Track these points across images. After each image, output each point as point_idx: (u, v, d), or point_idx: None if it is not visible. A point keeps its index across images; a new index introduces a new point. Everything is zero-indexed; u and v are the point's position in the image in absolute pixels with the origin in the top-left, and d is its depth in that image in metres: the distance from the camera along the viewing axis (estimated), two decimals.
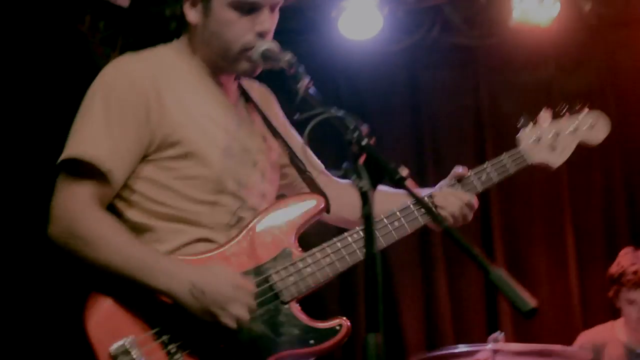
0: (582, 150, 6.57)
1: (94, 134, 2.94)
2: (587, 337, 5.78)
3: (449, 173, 6.90)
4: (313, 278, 3.02)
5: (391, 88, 6.90)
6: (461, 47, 6.82)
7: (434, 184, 6.77)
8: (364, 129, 2.48)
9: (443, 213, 3.23)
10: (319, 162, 3.40)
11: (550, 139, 3.46)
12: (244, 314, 2.86)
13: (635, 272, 5.47)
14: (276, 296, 2.98)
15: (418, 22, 6.67)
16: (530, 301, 2.10)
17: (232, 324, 2.84)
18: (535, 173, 6.18)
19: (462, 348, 4.87)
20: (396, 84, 6.93)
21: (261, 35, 3.03)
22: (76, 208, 2.91)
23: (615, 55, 6.93)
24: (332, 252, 3.06)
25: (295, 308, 3.00)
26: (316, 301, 3.17)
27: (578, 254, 6.80)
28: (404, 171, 2.40)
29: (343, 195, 3.35)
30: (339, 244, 3.08)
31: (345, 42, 6.46)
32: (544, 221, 6.90)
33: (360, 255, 3.07)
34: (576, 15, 6.57)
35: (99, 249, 2.87)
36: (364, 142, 2.43)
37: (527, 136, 3.44)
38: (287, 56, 2.92)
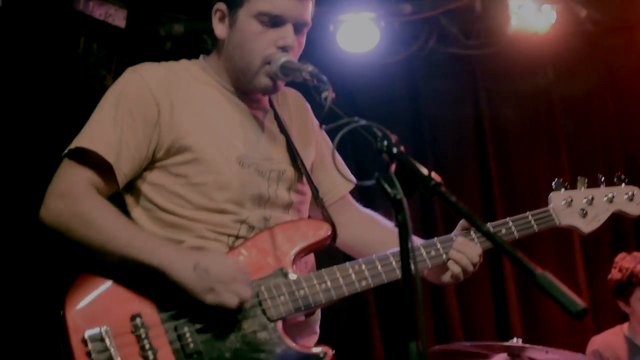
0: (586, 156, 6.67)
1: (102, 129, 2.97)
2: (601, 341, 5.76)
3: (451, 181, 6.90)
4: (304, 301, 2.97)
5: (391, 99, 6.89)
6: (459, 56, 6.82)
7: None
8: (394, 137, 2.46)
9: (461, 259, 3.14)
10: (350, 175, 3.37)
11: (584, 203, 3.37)
12: (246, 293, 2.84)
13: None
14: (264, 312, 2.93)
15: (415, 34, 6.68)
16: (579, 302, 2.07)
17: (233, 301, 2.82)
18: (539, 178, 6.20)
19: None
20: (396, 95, 6.92)
21: (283, 49, 3.01)
22: (77, 190, 2.92)
23: (613, 59, 6.95)
24: (329, 279, 3.02)
25: (281, 328, 2.94)
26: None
27: (585, 258, 6.79)
28: (436, 178, 2.36)
29: (355, 223, 3.36)
30: (338, 273, 3.04)
31: (344, 55, 6.47)
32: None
33: (358, 286, 3.03)
34: (573, 22, 6.59)
35: (101, 228, 2.87)
36: (395, 150, 2.40)
37: (559, 197, 3.36)
38: (309, 67, 2.90)
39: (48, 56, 5.70)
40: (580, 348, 5.75)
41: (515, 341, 4.66)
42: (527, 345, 4.68)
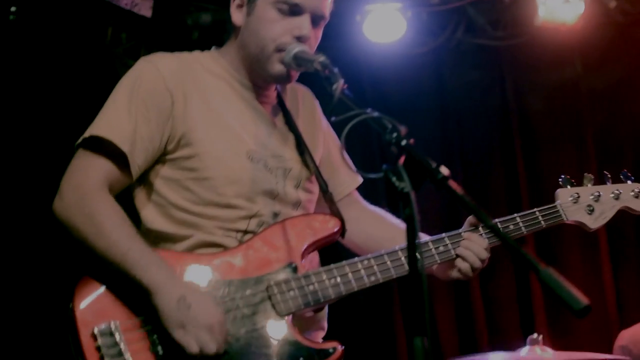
0: (613, 148, 6.60)
1: (116, 118, 2.97)
2: (630, 336, 5.69)
3: (477, 173, 6.89)
4: (314, 296, 2.97)
5: (417, 90, 6.85)
6: (486, 47, 6.77)
7: (462, 184, 6.76)
8: (403, 129, 2.45)
9: (469, 255, 3.14)
10: (355, 174, 3.37)
11: (591, 200, 3.38)
12: (210, 349, 2.79)
13: None
14: (273, 307, 2.93)
15: (442, 24, 6.64)
16: (583, 299, 2.05)
17: (194, 349, 2.78)
18: (566, 171, 6.16)
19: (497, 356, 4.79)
20: (422, 86, 6.88)
21: (298, 39, 3.01)
22: (89, 186, 2.92)
23: None
24: (339, 275, 3.02)
25: (291, 323, 2.95)
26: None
27: (611, 255, 6.72)
28: (445, 171, 2.35)
29: (362, 219, 3.37)
30: (347, 268, 3.04)
31: (371, 46, 6.44)
32: None
33: (366, 281, 3.03)
34: (601, 13, 6.52)
35: (101, 233, 2.86)
36: (403, 143, 2.40)
37: (566, 193, 3.38)
38: (321, 58, 2.90)
39: (76, 47, 5.74)
40: (606, 343, 5.71)
41: (535, 337, 4.62)
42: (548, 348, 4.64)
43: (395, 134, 2.42)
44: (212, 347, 2.78)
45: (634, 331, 5.71)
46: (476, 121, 6.96)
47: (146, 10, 5.90)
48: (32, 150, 5.44)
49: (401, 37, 6.38)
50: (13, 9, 5.31)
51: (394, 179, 2.33)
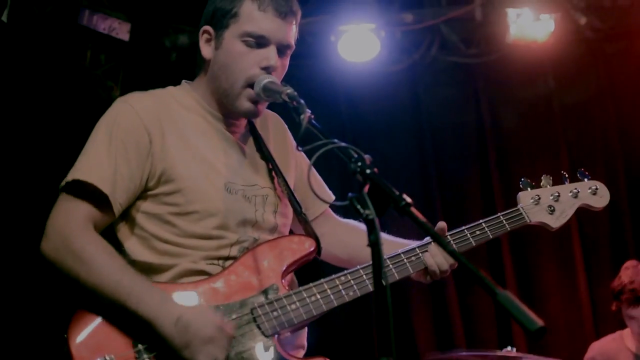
0: (587, 162, 6.69)
1: (97, 160, 3.03)
2: (598, 348, 5.79)
3: (453, 189, 6.98)
4: (296, 314, 3.06)
5: (393, 107, 6.96)
6: (460, 65, 6.90)
7: (439, 200, 6.83)
8: (367, 158, 2.52)
9: (432, 265, 3.26)
10: (328, 192, 3.47)
11: (551, 200, 3.48)
12: (221, 357, 2.90)
13: (632, 290, 5.46)
14: (259, 328, 3.02)
15: (416, 42, 6.76)
16: (538, 321, 2.12)
17: None
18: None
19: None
20: (398, 103, 6.99)
21: (266, 69, 3.09)
22: (74, 226, 2.98)
23: (613, 66, 6.99)
24: (318, 292, 3.10)
25: (277, 342, 3.03)
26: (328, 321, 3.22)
27: (586, 265, 6.82)
28: (407, 198, 2.43)
29: (337, 231, 3.47)
30: (325, 285, 3.12)
31: (346, 64, 6.55)
32: (551, 233, 6.91)
33: (345, 297, 3.12)
34: (572, 30, 6.66)
35: (92, 269, 2.93)
36: (368, 171, 2.47)
37: (527, 196, 3.47)
38: (288, 90, 2.96)
39: (55, 69, 5.79)
40: (581, 354, 5.80)
41: (510, 349, 4.72)
42: (520, 354, 4.73)
43: (360, 163, 2.49)
44: (221, 356, 2.90)
45: (602, 343, 5.81)
46: (451, 136, 7.07)
47: (123, 34, 5.98)
48: (12, 177, 5.47)
49: (376, 56, 6.50)
50: None
51: (359, 206, 2.40)
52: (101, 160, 3.03)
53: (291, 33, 3.16)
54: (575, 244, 6.80)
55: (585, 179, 3.54)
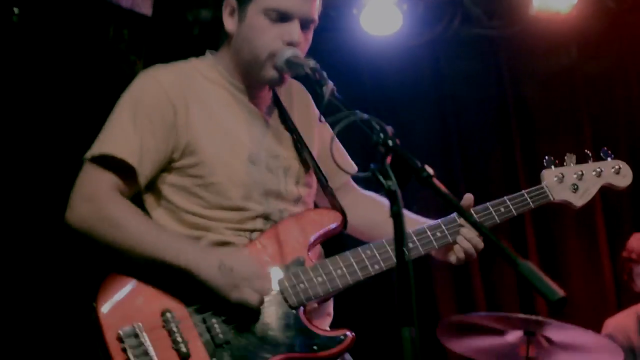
0: (609, 137, 6.67)
1: (123, 133, 3.07)
2: (614, 324, 5.80)
3: (475, 162, 6.96)
4: (323, 287, 3.10)
5: (415, 81, 6.94)
6: (483, 37, 6.85)
7: (461, 173, 6.82)
8: (389, 129, 2.54)
9: (468, 248, 3.28)
10: (351, 162, 3.49)
11: (574, 178, 3.49)
12: (267, 289, 2.99)
13: None
14: (285, 300, 3.06)
15: (439, 15, 6.71)
16: (559, 291, 2.14)
17: (255, 298, 2.97)
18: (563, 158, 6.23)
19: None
20: (420, 77, 6.97)
21: (289, 44, 3.10)
22: (102, 193, 3.03)
23: (637, 38, 6.92)
24: (344, 265, 3.14)
25: (303, 314, 3.08)
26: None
27: (609, 238, 6.82)
28: (429, 170, 2.45)
29: (358, 205, 3.48)
30: (351, 258, 3.16)
31: (368, 38, 6.53)
32: None
33: (371, 270, 3.16)
34: (596, 1, 6.60)
35: (128, 231, 2.99)
36: (390, 142, 2.49)
37: (551, 174, 3.48)
38: (311, 63, 2.99)
39: (79, 45, 5.81)
40: (601, 325, 5.82)
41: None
42: (545, 319, 4.74)
43: (382, 135, 2.51)
44: (268, 289, 3.01)
45: (618, 320, 5.82)
46: (474, 110, 7.05)
47: (146, 9, 5.98)
48: (38, 150, 5.52)
49: (398, 29, 6.47)
50: (16, 10, 5.39)
51: (381, 177, 2.42)
52: (127, 133, 3.07)
53: (315, 8, 3.18)
54: (598, 216, 6.78)
55: (609, 158, 3.56)
